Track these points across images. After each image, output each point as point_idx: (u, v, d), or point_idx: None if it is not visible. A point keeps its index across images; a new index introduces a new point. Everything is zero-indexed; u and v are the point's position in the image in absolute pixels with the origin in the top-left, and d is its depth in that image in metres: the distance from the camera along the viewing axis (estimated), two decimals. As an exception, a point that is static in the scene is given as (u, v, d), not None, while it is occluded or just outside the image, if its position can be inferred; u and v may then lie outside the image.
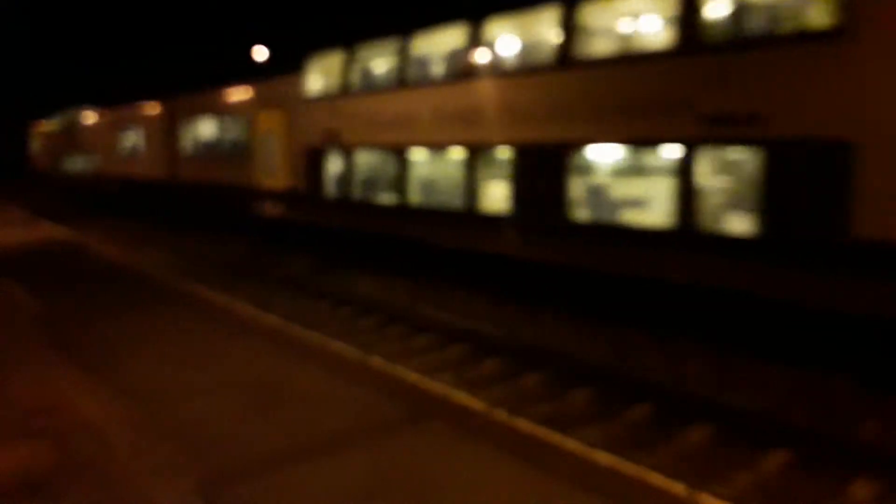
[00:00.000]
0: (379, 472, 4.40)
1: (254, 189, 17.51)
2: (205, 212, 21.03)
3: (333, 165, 14.87)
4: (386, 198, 13.58)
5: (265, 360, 6.74)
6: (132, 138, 26.31)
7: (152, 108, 24.05)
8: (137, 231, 21.54)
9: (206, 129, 20.97)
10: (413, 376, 6.31)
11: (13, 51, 64.85)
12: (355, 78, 14.38)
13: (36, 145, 43.48)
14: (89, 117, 31.02)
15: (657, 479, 4.31)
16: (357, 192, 14.37)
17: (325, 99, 14.92)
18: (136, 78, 39.72)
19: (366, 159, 14.43)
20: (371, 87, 14.48)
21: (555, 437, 4.94)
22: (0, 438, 4.96)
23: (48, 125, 39.02)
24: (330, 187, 14.92)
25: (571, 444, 4.84)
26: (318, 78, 15.41)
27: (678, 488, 4.17)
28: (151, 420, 5.24)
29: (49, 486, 4.28)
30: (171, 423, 5.18)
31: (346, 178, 14.39)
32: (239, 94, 18.49)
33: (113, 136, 27.89)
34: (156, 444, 4.80)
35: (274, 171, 16.57)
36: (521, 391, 7.51)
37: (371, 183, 14.43)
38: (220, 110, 19.49)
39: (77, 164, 33.70)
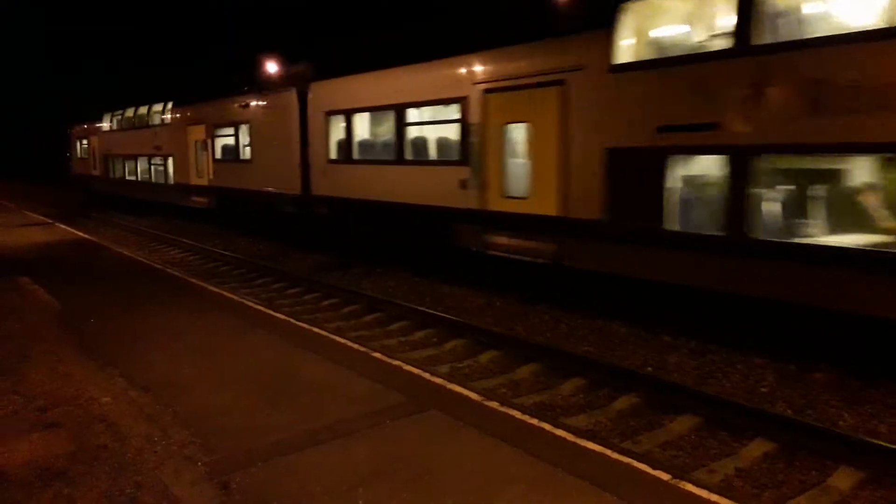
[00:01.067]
0: (381, 458, 4.61)
1: (474, 214, 11.30)
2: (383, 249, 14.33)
3: (686, 180, 8.80)
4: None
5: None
6: (231, 139, 19.29)
7: (270, 98, 17.24)
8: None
9: (371, 123, 14.61)
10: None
11: (47, 50, 60.21)
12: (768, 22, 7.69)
13: (78, 150, 35.85)
14: (157, 114, 24.62)
15: (642, 465, 4.51)
16: (768, 228, 7.80)
17: (669, 67, 8.53)
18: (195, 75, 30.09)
19: (795, 171, 8.17)
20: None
21: (545, 426, 5.16)
22: (19, 429, 5.16)
23: (94, 126, 32.04)
24: (677, 217, 8.59)
25: (561, 432, 5.06)
26: (645, 36, 9.13)
27: (662, 475, 4.37)
28: (164, 411, 5.45)
29: (66, 474, 4.47)
30: (183, 414, 5.38)
31: (731, 203, 7.81)
32: (441, 69, 12.16)
33: (196, 136, 21.21)
34: (169, 434, 5.01)
35: (527, 186, 10.43)
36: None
37: (809, 212, 8.01)
38: (399, 96, 13.05)
39: (138, 171, 26.90)
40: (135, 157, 27.08)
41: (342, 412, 5.40)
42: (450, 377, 6.78)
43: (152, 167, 25.42)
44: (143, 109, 26.23)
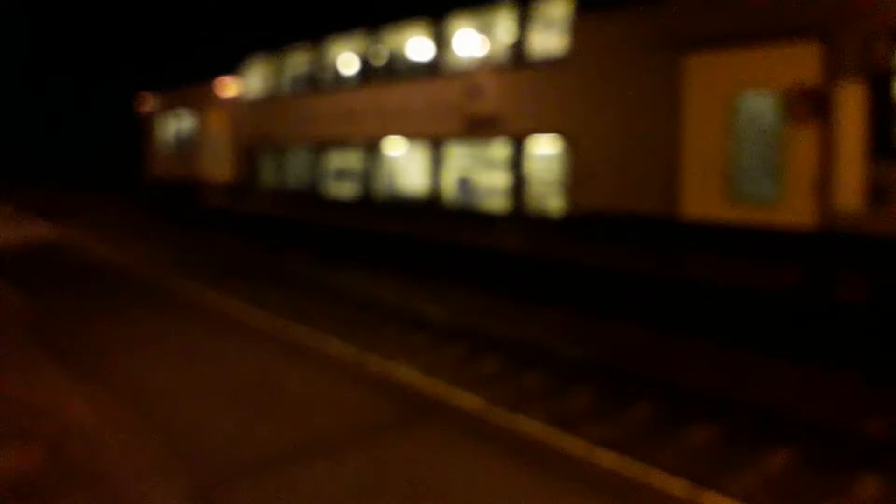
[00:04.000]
0: (374, 472, 4.37)
1: None
2: None
3: None
4: None
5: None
6: None
7: None
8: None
9: None
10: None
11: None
12: None
13: (163, 136, 20.69)
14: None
15: (659, 477, 4.27)
16: None
17: None
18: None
19: None
20: None
21: (554, 436, 4.91)
22: (-9, 441, 4.91)
23: (212, 90, 17.39)
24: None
25: (571, 442, 4.81)
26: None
27: (680, 487, 4.13)
28: (143, 421, 5.22)
29: (41, 488, 4.25)
30: (163, 424, 5.16)
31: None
32: None
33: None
34: (148, 446, 4.78)
35: None
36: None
37: None
38: None
39: (373, 175, 13.15)
40: (373, 146, 12.80)
41: (333, 423, 5.15)
42: (450, 384, 6.51)
43: (445, 167, 11.47)
44: (407, 34, 12.38)
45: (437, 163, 11.38)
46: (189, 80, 18.38)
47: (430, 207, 11.41)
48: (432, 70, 11.63)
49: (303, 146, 14.87)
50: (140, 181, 22.51)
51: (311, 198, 14.31)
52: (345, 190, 13.82)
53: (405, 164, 12.83)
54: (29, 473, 4.43)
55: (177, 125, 19.88)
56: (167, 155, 20.46)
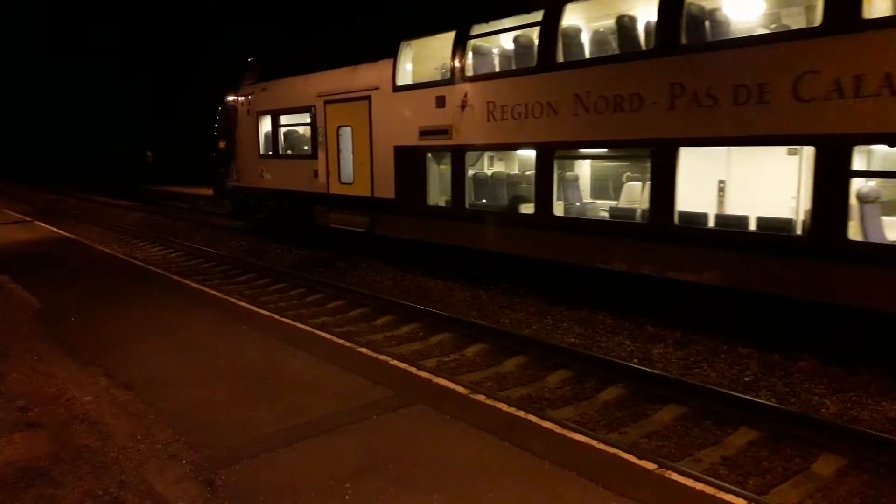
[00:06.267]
0: (367, 453, 4.60)
1: None
2: None
3: None
4: None
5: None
6: None
7: None
8: None
9: None
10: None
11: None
12: None
13: (254, 137, 16.24)
14: None
15: (629, 456, 4.53)
16: None
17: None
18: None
19: None
20: None
21: (532, 418, 5.17)
22: (-1, 430, 5.08)
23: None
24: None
25: (548, 424, 5.06)
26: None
27: (648, 465, 4.39)
28: (148, 409, 5.39)
29: (48, 474, 4.40)
30: (167, 412, 5.33)
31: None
32: None
33: None
34: (153, 432, 4.95)
35: None
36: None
37: None
38: None
39: None
40: (665, 150, 8.03)
41: (328, 407, 5.38)
42: (436, 371, 6.78)
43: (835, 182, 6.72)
44: None
45: (827, 175, 6.72)
46: (301, 66, 14.44)
47: (808, 245, 7.03)
48: (833, 19, 6.55)
49: (506, 151, 11.36)
50: (218, 194, 18.41)
51: (529, 222, 10.03)
52: (574, 212, 10.19)
53: (716, 174, 8.87)
54: (36, 460, 4.57)
55: (277, 123, 15.33)
56: (260, 161, 16.07)
